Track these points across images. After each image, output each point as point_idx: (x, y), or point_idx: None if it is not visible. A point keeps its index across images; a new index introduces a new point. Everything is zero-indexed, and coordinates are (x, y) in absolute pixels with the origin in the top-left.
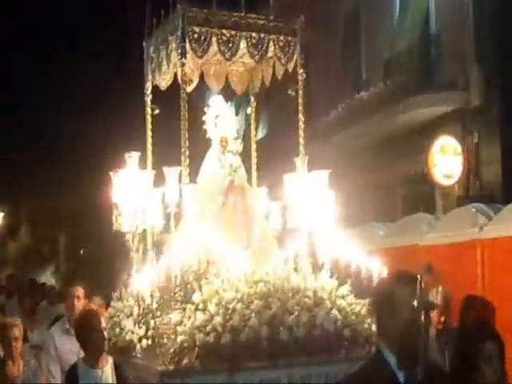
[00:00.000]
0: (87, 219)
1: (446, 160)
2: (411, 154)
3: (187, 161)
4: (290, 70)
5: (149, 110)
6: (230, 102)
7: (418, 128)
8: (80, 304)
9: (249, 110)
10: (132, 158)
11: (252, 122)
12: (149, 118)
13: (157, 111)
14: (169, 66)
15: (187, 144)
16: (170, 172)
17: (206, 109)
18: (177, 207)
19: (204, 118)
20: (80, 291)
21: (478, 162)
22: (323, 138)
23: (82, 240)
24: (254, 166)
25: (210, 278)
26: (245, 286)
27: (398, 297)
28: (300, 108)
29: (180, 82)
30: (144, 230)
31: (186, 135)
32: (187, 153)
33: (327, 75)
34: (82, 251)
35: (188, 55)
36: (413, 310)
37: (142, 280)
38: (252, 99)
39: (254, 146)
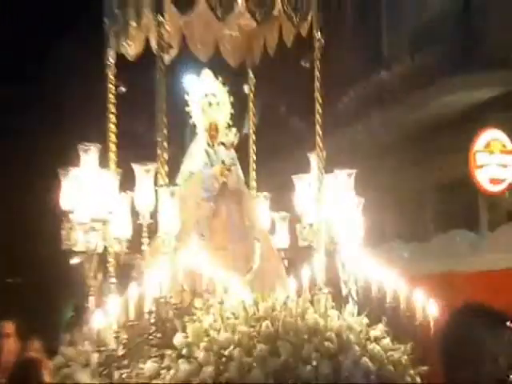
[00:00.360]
0: (22, 234)
1: (494, 160)
2: (446, 151)
3: (165, 155)
4: (304, 33)
5: (111, 87)
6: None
7: (456, 118)
8: (11, 345)
9: (246, 90)
10: (89, 152)
11: (250, 105)
12: (111, 99)
13: (122, 89)
14: (139, 27)
15: (166, 132)
16: (142, 171)
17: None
18: (151, 217)
19: (187, 97)
20: (9, 328)
21: None
22: (332, 131)
23: (15, 262)
24: (252, 165)
25: (197, 313)
26: (244, 325)
27: (476, 343)
28: (317, 85)
29: (155, 49)
30: (105, 249)
31: (165, 120)
32: (165, 145)
33: (339, 52)
34: (16, 278)
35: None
36: (496, 363)
37: (103, 317)
38: (250, 75)
39: (252, 138)
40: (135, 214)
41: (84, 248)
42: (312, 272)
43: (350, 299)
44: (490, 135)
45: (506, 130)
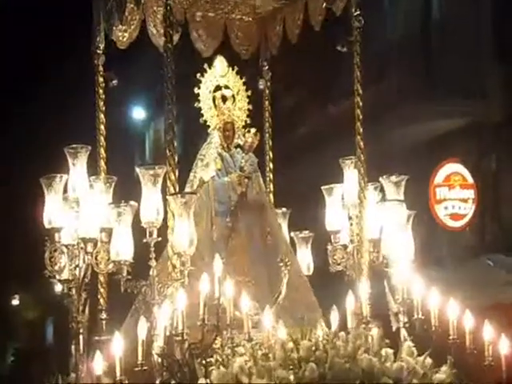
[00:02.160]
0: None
1: (454, 194)
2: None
3: (174, 157)
4: (338, 12)
5: (100, 79)
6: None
7: (413, 150)
8: None
9: (261, 84)
10: (77, 155)
11: (265, 104)
12: (100, 94)
13: (114, 82)
14: (138, 7)
15: (174, 130)
16: (148, 176)
17: (199, 76)
18: (158, 235)
19: (196, 90)
20: None
21: (496, 197)
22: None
23: None
24: (268, 175)
25: (222, 354)
26: (283, 368)
27: None
28: (357, 74)
29: (153, 34)
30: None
31: (174, 114)
32: (174, 144)
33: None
34: None
35: None
36: None
37: (98, 361)
38: (265, 66)
39: (268, 143)
40: (138, 230)
41: (72, 275)
42: (356, 302)
43: (403, 334)
44: (450, 168)
45: (466, 163)
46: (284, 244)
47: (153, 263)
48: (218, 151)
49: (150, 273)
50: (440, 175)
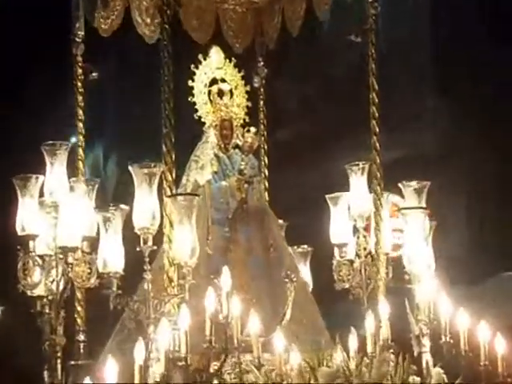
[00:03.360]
0: None
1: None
2: None
3: (172, 155)
4: None
5: (79, 71)
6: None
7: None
8: None
9: (256, 82)
10: (56, 153)
11: (261, 103)
12: (79, 87)
13: (94, 74)
14: None
15: (172, 123)
16: (142, 175)
17: (193, 68)
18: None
19: (190, 83)
20: None
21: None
22: None
23: None
24: (262, 183)
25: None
26: None
27: None
28: (371, 67)
29: (160, 7)
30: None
31: (171, 106)
32: (172, 140)
33: None
34: None
35: None
36: None
37: None
38: (260, 62)
39: (263, 147)
40: (130, 237)
41: (45, 291)
42: (375, 324)
43: (426, 360)
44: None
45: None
46: (288, 257)
47: (148, 276)
48: (215, 152)
49: (145, 287)
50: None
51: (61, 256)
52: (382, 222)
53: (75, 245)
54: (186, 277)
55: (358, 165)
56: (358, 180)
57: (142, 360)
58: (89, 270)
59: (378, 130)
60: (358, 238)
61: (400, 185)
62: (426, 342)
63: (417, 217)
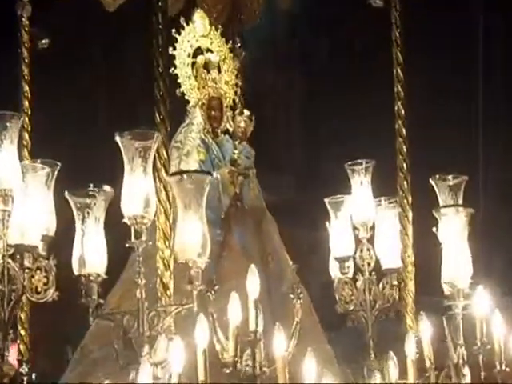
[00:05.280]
0: None
1: None
2: None
3: (167, 125)
4: None
5: (25, 37)
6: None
7: None
8: None
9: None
10: (5, 126)
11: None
12: (25, 57)
13: (43, 42)
14: None
15: (167, 84)
16: (133, 148)
17: (174, 33)
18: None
19: (172, 51)
20: None
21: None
22: None
23: None
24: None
25: None
26: None
27: None
28: (395, 35)
29: None
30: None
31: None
32: (166, 107)
33: None
34: None
35: None
36: None
37: None
38: (237, 43)
39: None
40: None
41: None
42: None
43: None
44: None
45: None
46: (290, 271)
47: (140, 280)
48: (201, 137)
49: (137, 294)
50: None
51: (8, 260)
52: (410, 224)
53: (34, 243)
54: (193, 281)
55: (360, 164)
56: (360, 182)
57: None
58: (45, 280)
59: (404, 131)
60: (362, 250)
61: (432, 180)
62: (467, 371)
63: (456, 217)
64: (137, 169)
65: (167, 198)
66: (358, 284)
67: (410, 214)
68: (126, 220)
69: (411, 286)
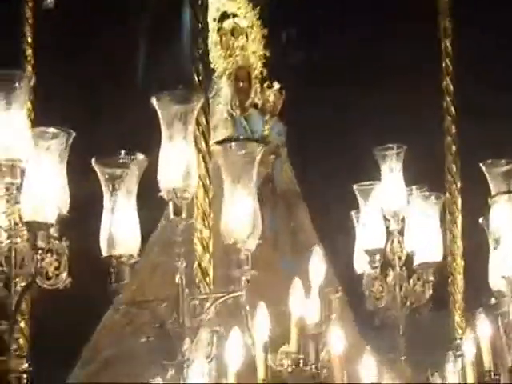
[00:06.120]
0: None
1: None
2: None
3: (206, 91)
4: None
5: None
6: None
7: None
8: None
9: None
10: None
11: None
12: (28, 17)
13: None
14: None
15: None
16: (173, 111)
17: None
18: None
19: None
20: None
21: None
22: None
23: None
24: None
25: None
26: None
27: None
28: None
29: None
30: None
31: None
32: (204, 69)
33: None
34: None
35: None
36: None
37: None
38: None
39: None
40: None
41: None
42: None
43: None
44: None
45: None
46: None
47: (181, 264)
48: (229, 110)
49: (177, 280)
50: None
51: (18, 240)
52: (459, 212)
53: (50, 220)
54: (242, 265)
55: (392, 148)
56: (391, 168)
57: None
58: (56, 264)
59: (452, 88)
60: (392, 243)
61: (482, 165)
62: None
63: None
64: (177, 135)
65: (206, 172)
66: (389, 279)
67: (459, 201)
68: (163, 194)
69: (460, 280)
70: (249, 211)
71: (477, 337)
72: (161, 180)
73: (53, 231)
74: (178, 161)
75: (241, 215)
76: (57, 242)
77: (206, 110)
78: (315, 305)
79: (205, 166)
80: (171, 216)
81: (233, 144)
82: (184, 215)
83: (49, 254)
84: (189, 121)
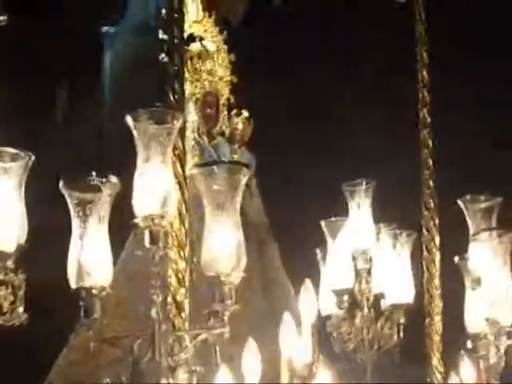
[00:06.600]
0: None
1: None
2: None
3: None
4: None
5: None
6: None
7: None
8: None
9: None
10: None
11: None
12: None
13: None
14: None
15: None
16: (150, 129)
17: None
18: None
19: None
20: None
21: None
22: None
23: None
24: None
25: None
26: None
27: None
28: (420, 30)
29: None
30: None
31: None
32: (182, 85)
33: None
34: None
35: None
36: None
37: None
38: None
39: None
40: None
41: None
42: None
43: None
44: None
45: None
46: (295, 301)
47: (157, 296)
48: (196, 137)
49: (152, 314)
50: None
51: None
52: (437, 250)
53: (10, 249)
54: (225, 300)
55: (360, 184)
56: (359, 205)
57: None
58: (12, 298)
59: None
60: (360, 283)
61: (460, 201)
62: None
63: (490, 242)
64: (154, 158)
65: (182, 198)
66: (356, 321)
67: (438, 239)
68: (138, 220)
69: (438, 322)
70: (233, 242)
71: (461, 380)
72: (136, 205)
73: (9, 263)
74: (154, 185)
75: (224, 247)
76: (12, 274)
77: (182, 132)
78: (306, 343)
79: (181, 192)
80: (147, 245)
81: (215, 167)
82: (161, 244)
83: (3, 287)
84: (168, 141)
